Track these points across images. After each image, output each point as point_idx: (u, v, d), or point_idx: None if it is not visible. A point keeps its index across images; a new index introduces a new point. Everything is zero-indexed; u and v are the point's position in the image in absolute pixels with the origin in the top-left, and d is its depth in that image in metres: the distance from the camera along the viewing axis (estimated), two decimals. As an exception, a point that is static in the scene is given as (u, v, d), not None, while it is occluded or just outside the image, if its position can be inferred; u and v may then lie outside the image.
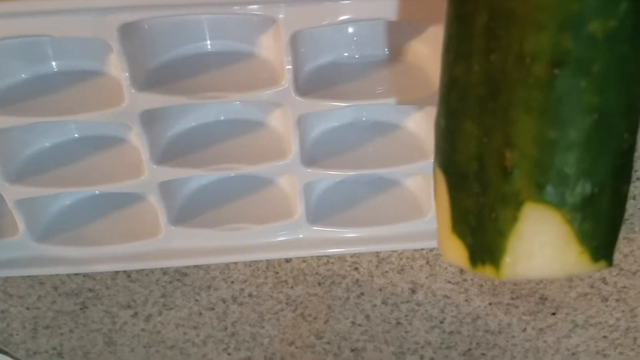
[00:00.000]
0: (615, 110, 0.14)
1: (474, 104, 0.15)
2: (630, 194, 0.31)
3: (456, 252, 0.16)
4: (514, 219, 0.14)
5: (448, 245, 0.16)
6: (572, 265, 0.14)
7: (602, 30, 0.13)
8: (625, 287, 0.34)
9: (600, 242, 0.14)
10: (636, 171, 0.30)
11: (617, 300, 0.35)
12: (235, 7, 0.24)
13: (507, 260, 0.14)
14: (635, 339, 0.37)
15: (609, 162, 0.14)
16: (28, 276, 0.32)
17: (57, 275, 0.33)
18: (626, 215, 0.32)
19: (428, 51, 0.27)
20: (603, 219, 0.14)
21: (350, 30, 0.28)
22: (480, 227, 0.15)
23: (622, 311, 0.35)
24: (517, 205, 0.14)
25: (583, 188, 0.14)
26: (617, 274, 0.34)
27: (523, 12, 0.13)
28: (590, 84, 0.13)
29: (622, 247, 0.33)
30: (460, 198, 0.15)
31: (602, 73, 0.13)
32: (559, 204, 0.14)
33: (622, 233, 0.32)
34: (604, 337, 0.36)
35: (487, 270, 0.15)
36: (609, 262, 0.15)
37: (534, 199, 0.14)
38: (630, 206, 0.31)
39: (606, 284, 0.34)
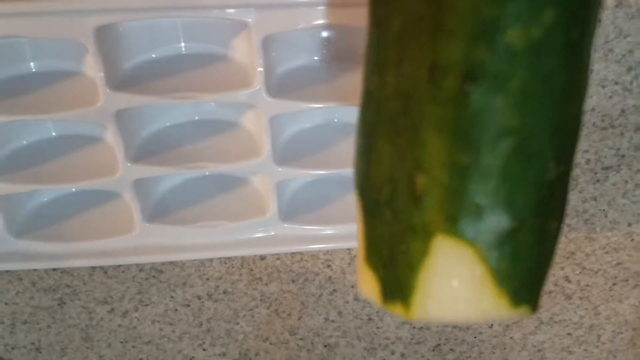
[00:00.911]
0: (537, 133, 0.12)
1: (387, 120, 0.13)
2: (591, 195, 0.32)
3: (368, 285, 0.14)
4: (424, 253, 0.12)
5: (361, 276, 0.14)
6: (489, 309, 0.12)
7: (523, 40, 0.11)
8: (588, 285, 0.35)
9: (521, 285, 0.12)
10: (596, 173, 0.31)
11: (580, 298, 0.36)
12: (206, 11, 0.25)
13: (417, 298, 0.12)
14: (599, 336, 0.38)
15: (531, 193, 0.12)
16: (6, 272, 0.33)
17: (35, 271, 0.33)
18: (588, 216, 0.33)
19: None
20: (524, 259, 0.12)
21: (322, 34, 0.29)
22: (392, 260, 0.13)
23: (586, 309, 0.36)
24: (427, 236, 0.12)
25: (499, 222, 0.12)
26: (580, 272, 0.35)
27: (433, 17, 0.11)
28: (508, 103, 0.11)
29: (584, 247, 0.34)
30: (373, 225, 0.14)
31: (522, 90, 0.11)
32: (472, 239, 0.12)
33: (584, 233, 0.33)
34: (569, 334, 0.37)
35: (397, 308, 0.13)
36: (534, 307, 0.13)
37: (445, 232, 0.12)
38: (592, 207, 0.32)
39: (569, 282, 0.35)
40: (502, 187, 0.12)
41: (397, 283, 0.13)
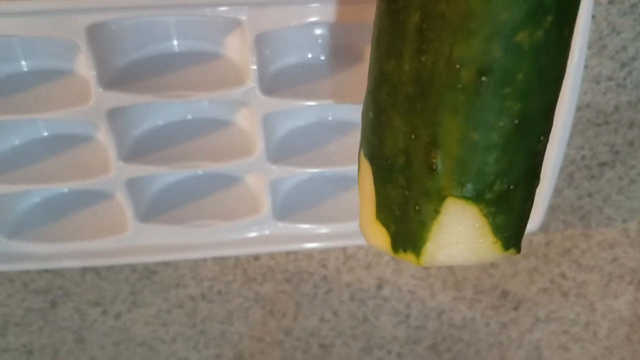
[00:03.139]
0: (534, 115, 0.14)
1: (403, 101, 0.15)
2: (586, 192, 0.32)
3: (378, 238, 0.17)
4: (436, 212, 0.15)
5: (371, 230, 0.17)
6: (486, 254, 0.15)
7: (529, 40, 0.13)
8: (584, 282, 0.35)
9: (512, 233, 0.15)
10: (591, 170, 0.32)
11: (576, 295, 0.36)
12: (199, 9, 0.24)
13: (428, 249, 0.15)
14: (595, 332, 0.38)
15: (525, 162, 0.15)
16: (-3, 274, 0.33)
17: (26, 272, 0.33)
18: (583, 212, 0.33)
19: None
20: (515, 213, 0.15)
21: (315, 32, 0.29)
22: (404, 217, 0.16)
23: (582, 306, 0.36)
24: (440, 200, 0.15)
25: (499, 186, 0.15)
26: (576, 269, 0.35)
27: (454, 18, 0.14)
28: (513, 91, 0.14)
29: (580, 243, 0.34)
30: (385, 189, 0.16)
31: (525, 81, 0.14)
32: (477, 200, 0.15)
33: (580, 230, 0.33)
34: (565, 331, 0.37)
35: (408, 257, 0.16)
36: (518, 249, 0.16)
37: (455, 195, 0.15)
38: (587, 203, 0.33)
39: (565, 279, 0.35)
40: (502, 158, 0.14)
41: (409, 237, 0.16)
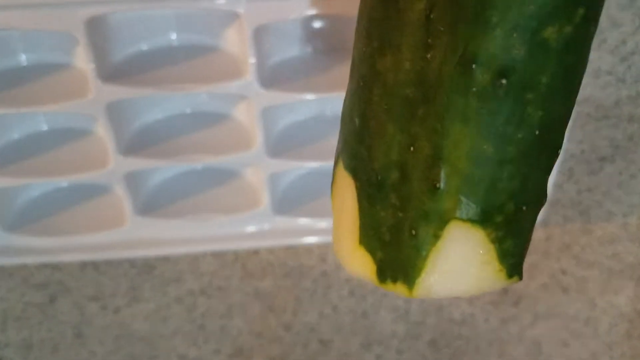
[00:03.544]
0: (555, 125, 0.13)
1: (399, 106, 0.13)
2: (586, 186, 0.32)
3: (361, 265, 0.14)
4: (436, 237, 0.13)
5: (352, 257, 0.14)
6: (488, 283, 0.13)
7: (557, 36, 0.12)
8: (584, 277, 0.35)
9: (517, 260, 0.14)
10: (591, 164, 0.31)
11: (576, 290, 0.36)
12: (197, 2, 0.24)
13: (423, 279, 0.13)
14: (595, 328, 0.38)
15: (540, 179, 0.13)
16: (-3, 268, 0.33)
17: (26, 267, 0.33)
18: (583, 207, 0.33)
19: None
20: (523, 237, 0.14)
21: (315, 25, 0.29)
22: (395, 243, 0.14)
23: (582, 301, 0.36)
24: (442, 223, 0.13)
25: (511, 207, 0.13)
26: (576, 264, 0.35)
27: (472, 7, 0.11)
28: (536, 97, 0.12)
29: (579, 239, 0.34)
30: (372, 209, 0.14)
31: (549, 85, 0.12)
32: (484, 223, 0.13)
33: (580, 225, 0.33)
34: (565, 327, 0.37)
35: (398, 288, 0.14)
36: (520, 276, 0.14)
37: (460, 218, 0.13)
38: (587, 198, 0.33)
39: (565, 274, 0.35)
40: (517, 174, 0.12)
41: (400, 265, 0.13)
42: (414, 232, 0.13)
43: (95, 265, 0.33)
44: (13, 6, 0.24)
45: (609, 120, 0.30)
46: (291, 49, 0.29)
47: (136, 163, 0.28)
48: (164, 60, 0.27)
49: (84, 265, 0.33)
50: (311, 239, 0.31)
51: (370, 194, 0.14)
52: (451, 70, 0.12)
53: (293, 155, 0.29)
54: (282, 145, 0.29)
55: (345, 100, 0.15)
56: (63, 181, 0.31)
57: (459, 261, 0.13)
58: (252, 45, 0.25)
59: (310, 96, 0.27)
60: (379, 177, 0.14)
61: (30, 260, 0.31)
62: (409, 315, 0.36)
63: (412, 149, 0.13)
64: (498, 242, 0.13)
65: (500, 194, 0.13)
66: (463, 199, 0.13)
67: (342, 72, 0.28)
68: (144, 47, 0.28)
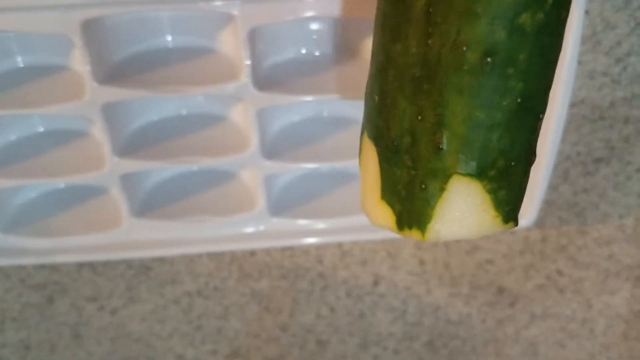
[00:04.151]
0: (535, 94, 0.15)
1: (409, 84, 0.16)
2: (581, 188, 0.32)
3: (384, 217, 0.17)
4: (441, 190, 0.16)
5: (376, 211, 0.17)
6: (487, 228, 0.16)
7: (531, 22, 0.14)
8: (580, 278, 0.35)
9: (511, 208, 0.16)
10: (587, 166, 0.31)
11: (572, 291, 0.36)
12: (193, 4, 0.24)
13: (433, 225, 0.16)
14: (592, 329, 0.38)
15: (526, 139, 0.16)
16: (-6, 269, 0.33)
17: (23, 268, 0.33)
18: (579, 209, 0.33)
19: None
20: (515, 188, 0.16)
21: (309, 27, 0.29)
22: (409, 196, 0.16)
23: (578, 302, 0.36)
24: (446, 178, 0.16)
25: (502, 163, 0.15)
26: (572, 265, 0.35)
27: (460, 2, 0.14)
28: (517, 72, 0.15)
29: (576, 240, 0.34)
30: (391, 169, 0.17)
31: (527, 61, 0.14)
32: (480, 177, 0.15)
33: (576, 226, 0.33)
34: (562, 327, 0.37)
35: (413, 234, 0.17)
36: (516, 222, 0.17)
37: (460, 173, 0.15)
38: (583, 199, 0.33)
39: (562, 275, 0.35)
40: (505, 135, 0.15)
41: (414, 215, 0.16)
42: (424, 186, 0.16)
43: (92, 267, 0.33)
44: (9, 8, 0.24)
45: (605, 122, 0.30)
46: (286, 51, 0.29)
47: (132, 165, 0.28)
48: (159, 62, 0.28)
49: (81, 266, 0.33)
50: (307, 240, 0.31)
51: (389, 157, 0.17)
52: (447, 53, 0.15)
53: (289, 156, 0.29)
54: (277, 146, 0.29)
55: (367, 83, 0.18)
56: (59, 183, 0.31)
57: (462, 209, 0.16)
58: (247, 47, 0.26)
59: (305, 98, 0.27)
60: (395, 143, 0.16)
61: (27, 261, 0.31)
62: (405, 316, 0.36)
63: (419, 118, 0.16)
64: (493, 192, 0.16)
65: (492, 152, 0.15)
66: (462, 157, 0.15)
67: (337, 73, 0.28)
68: (140, 49, 0.28)
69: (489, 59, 0.14)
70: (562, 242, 0.34)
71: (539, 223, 0.33)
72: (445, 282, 0.35)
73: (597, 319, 0.37)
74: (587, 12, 0.27)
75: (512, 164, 0.16)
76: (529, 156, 0.16)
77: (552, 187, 0.32)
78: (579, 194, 0.32)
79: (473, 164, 0.15)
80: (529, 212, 0.29)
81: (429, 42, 0.15)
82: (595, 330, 0.38)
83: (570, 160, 0.31)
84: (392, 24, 0.16)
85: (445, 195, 0.16)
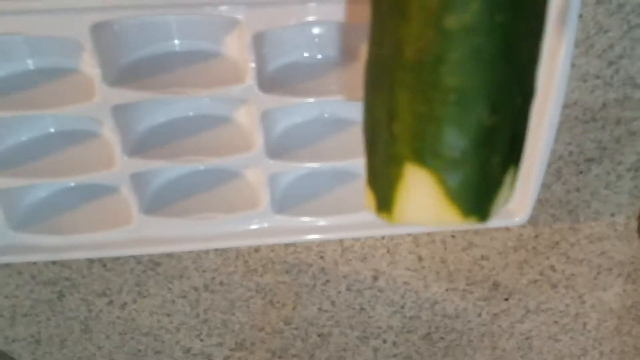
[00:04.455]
0: (471, 90, 0.16)
1: (375, 80, 0.17)
2: (574, 186, 0.33)
3: (369, 201, 0.19)
4: (399, 176, 0.17)
5: (366, 195, 0.19)
6: (446, 218, 0.17)
7: (457, 24, 0.15)
8: (573, 274, 0.36)
9: (469, 201, 0.17)
10: (579, 165, 0.32)
11: (566, 287, 0.37)
12: (199, 9, 0.25)
13: (397, 209, 0.17)
14: (585, 324, 0.38)
15: (470, 134, 0.16)
16: (6, 265, 0.34)
17: (34, 264, 0.34)
18: (572, 207, 0.34)
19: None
20: (469, 182, 0.17)
21: (312, 31, 0.30)
22: (381, 181, 0.18)
23: (571, 297, 0.37)
24: (400, 164, 0.17)
25: (448, 153, 0.16)
26: (565, 262, 0.35)
27: (398, 7, 0.16)
28: (449, 69, 0.16)
29: (568, 237, 0.35)
30: (370, 157, 0.18)
31: (459, 60, 0.15)
32: (431, 166, 0.16)
33: (568, 224, 0.34)
34: (555, 322, 0.38)
35: (385, 217, 0.18)
36: (482, 218, 0.17)
37: (412, 161, 0.17)
38: (575, 198, 0.33)
39: (555, 271, 0.36)
40: (447, 129, 0.16)
41: (384, 198, 0.18)
42: (387, 172, 0.17)
43: (102, 263, 0.34)
44: (20, 12, 0.25)
45: (596, 123, 0.31)
46: (289, 54, 0.30)
47: (141, 164, 0.29)
48: (167, 65, 0.28)
49: (91, 262, 0.34)
50: (310, 237, 0.32)
51: (368, 146, 0.18)
52: (393, 52, 0.16)
53: (292, 156, 0.30)
54: (281, 146, 0.30)
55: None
56: (70, 182, 0.32)
57: (418, 196, 0.17)
58: (252, 51, 0.26)
59: (307, 99, 0.28)
60: (370, 133, 0.18)
61: (38, 257, 0.31)
62: (404, 309, 0.37)
63: (381, 109, 0.17)
64: (443, 182, 0.16)
65: (437, 143, 0.16)
66: (411, 146, 0.16)
67: (340, 76, 0.29)
68: (148, 52, 0.29)
69: (422, 57, 0.16)
70: (555, 239, 0.35)
71: (533, 220, 0.34)
72: (442, 277, 0.36)
73: (589, 314, 0.38)
74: (580, 16, 0.27)
75: (459, 156, 0.16)
76: (487, 155, 0.16)
77: (545, 186, 0.33)
78: (571, 193, 0.33)
79: (423, 153, 0.16)
80: (522, 210, 0.30)
81: (385, 43, 0.17)
82: (588, 324, 0.38)
83: (562, 160, 0.32)
84: (370, 28, 0.18)
85: (402, 181, 0.17)
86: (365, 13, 0.26)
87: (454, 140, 0.16)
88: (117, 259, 0.34)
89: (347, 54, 0.30)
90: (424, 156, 0.16)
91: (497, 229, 0.34)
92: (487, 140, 0.16)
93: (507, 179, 0.17)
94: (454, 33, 0.15)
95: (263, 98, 0.27)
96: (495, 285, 0.36)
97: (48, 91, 0.28)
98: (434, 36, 0.15)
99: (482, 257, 0.35)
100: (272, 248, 0.34)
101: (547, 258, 0.35)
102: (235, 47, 0.28)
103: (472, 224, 0.17)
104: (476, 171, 0.17)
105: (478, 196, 0.17)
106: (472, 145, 0.16)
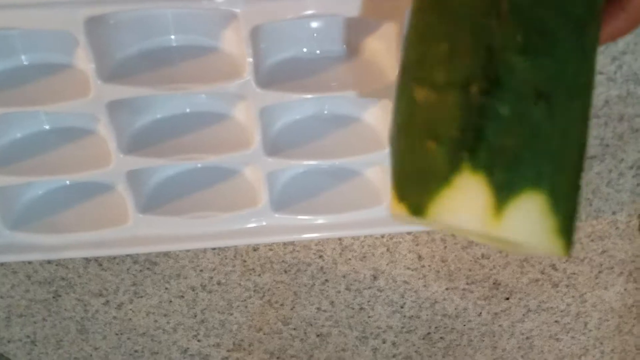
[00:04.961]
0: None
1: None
2: (576, 184, 0.33)
3: (399, 208, 0.19)
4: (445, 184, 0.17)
5: (394, 202, 0.19)
6: (551, 250, 0.16)
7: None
8: (574, 273, 0.36)
9: (568, 236, 0.17)
10: (581, 162, 0.32)
11: (567, 286, 0.36)
12: (196, 2, 0.25)
13: (435, 214, 0.17)
14: (585, 323, 0.38)
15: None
16: (1, 265, 0.33)
17: (30, 264, 0.34)
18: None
19: (383, 47, 0.28)
20: (571, 217, 0.17)
21: (310, 26, 0.29)
22: (418, 188, 0.18)
23: (572, 297, 0.37)
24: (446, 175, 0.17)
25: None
26: (566, 260, 0.35)
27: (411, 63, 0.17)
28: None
29: (570, 235, 0.34)
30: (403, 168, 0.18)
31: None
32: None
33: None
34: (556, 321, 0.38)
35: (423, 221, 0.18)
36: (568, 249, 0.17)
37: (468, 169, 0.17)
38: (577, 195, 0.33)
39: (556, 270, 0.36)
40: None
41: (419, 204, 0.17)
42: (428, 179, 0.17)
43: (98, 262, 0.33)
44: (13, 5, 0.25)
45: (599, 120, 0.31)
46: (287, 49, 0.29)
47: (137, 162, 0.29)
48: (163, 61, 0.28)
49: (87, 262, 0.33)
50: (309, 236, 0.31)
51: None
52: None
53: (291, 153, 0.30)
54: (279, 144, 0.30)
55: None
56: (66, 180, 0.32)
57: (463, 202, 0.16)
58: (249, 46, 0.26)
59: (306, 95, 0.28)
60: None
61: (34, 257, 0.31)
62: (404, 309, 0.37)
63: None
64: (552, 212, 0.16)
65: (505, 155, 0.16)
66: (461, 159, 0.16)
67: (338, 71, 0.29)
68: (144, 47, 0.28)
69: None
70: (557, 237, 0.34)
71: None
72: (442, 276, 0.35)
73: (590, 313, 0.38)
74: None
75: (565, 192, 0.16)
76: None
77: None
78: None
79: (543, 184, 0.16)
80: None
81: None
82: (589, 324, 0.38)
83: (565, 157, 0.32)
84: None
85: (446, 191, 0.17)
86: (367, 6, 0.26)
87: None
88: (114, 258, 0.33)
89: (347, 49, 0.29)
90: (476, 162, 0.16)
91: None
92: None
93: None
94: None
95: (261, 94, 0.27)
96: (496, 284, 0.36)
97: (42, 87, 0.28)
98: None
99: (483, 256, 0.35)
100: (270, 247, 0.34)
101: (548, 257, 0.35)
102: (233, 42, 0.28)
103: (560, 254, 0.17)
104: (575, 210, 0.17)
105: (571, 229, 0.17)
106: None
